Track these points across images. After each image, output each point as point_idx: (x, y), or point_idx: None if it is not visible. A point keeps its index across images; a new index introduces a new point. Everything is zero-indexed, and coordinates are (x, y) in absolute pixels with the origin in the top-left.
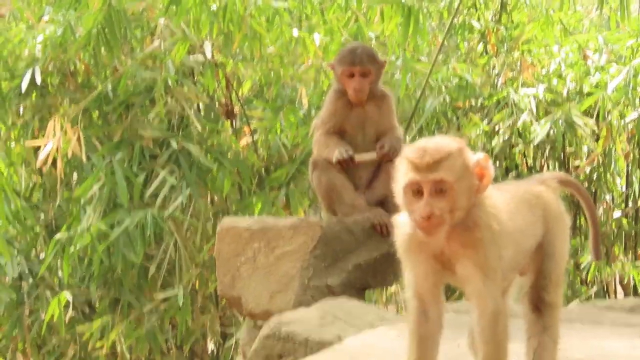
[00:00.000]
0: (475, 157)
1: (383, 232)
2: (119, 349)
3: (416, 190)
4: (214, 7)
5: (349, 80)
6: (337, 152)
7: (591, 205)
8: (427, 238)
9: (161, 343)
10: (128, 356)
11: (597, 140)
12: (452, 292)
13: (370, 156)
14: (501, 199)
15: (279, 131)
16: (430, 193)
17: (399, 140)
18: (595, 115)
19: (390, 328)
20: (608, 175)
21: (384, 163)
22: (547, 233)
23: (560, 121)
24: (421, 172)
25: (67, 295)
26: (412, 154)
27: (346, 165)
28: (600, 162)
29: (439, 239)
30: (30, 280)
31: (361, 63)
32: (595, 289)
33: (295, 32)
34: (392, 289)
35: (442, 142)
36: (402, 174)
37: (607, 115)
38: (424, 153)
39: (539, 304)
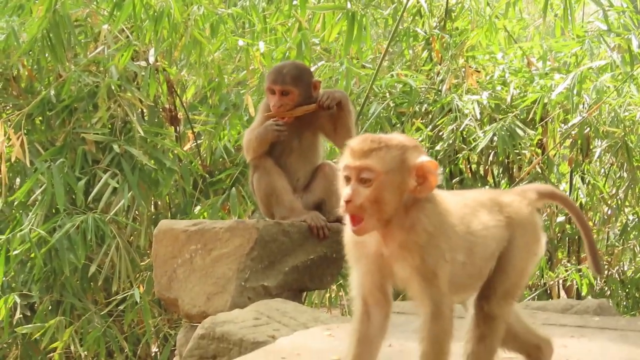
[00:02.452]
0: (420, 159)
1: (319, 234)
2: (72, 348)
3: (347, 177)
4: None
5: (271, 97)
6: (268, 122)
7: (581, 218)
8: (356, 234)
9: (112, 345)
10: (82, 357)
11: (540, 146)
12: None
13: (308, 107)
14: (454, 202)
15: (223, 136)
16: (357, 179)
17: (341, 92)
18: (538, 121)
19: (323, 329)
20: (552, 180)
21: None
22: (508, 243)
23: (504, 127)
24: (353, 158)
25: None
26: (353, 141)
27: (283, 125)
28: (545, 167)
29: (372, 238)
30: None
31: (283, 82)
32: (537, 292)
33: (241, 42)
34: (335, 291)
35: (387, 136)
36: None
37: (551, 121)
38: (363, 141)
39: (479, 313)
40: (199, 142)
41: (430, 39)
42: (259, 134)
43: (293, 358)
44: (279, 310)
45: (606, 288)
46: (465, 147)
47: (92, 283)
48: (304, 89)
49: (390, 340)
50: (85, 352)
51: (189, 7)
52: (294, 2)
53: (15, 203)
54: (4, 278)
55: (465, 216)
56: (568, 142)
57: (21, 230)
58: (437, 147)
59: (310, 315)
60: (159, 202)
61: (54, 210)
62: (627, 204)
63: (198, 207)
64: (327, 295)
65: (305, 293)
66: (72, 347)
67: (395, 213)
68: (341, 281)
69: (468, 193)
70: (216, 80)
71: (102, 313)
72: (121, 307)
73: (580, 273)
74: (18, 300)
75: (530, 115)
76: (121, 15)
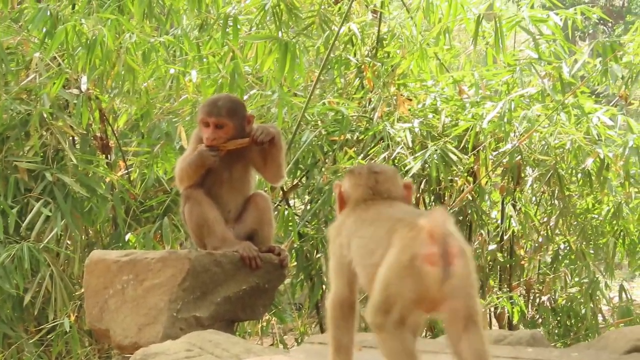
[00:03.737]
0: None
1: (252, 265)
2: None
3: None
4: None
5: (205, 129)
6: (201, 147)
7: None
8: None
9: None
10: None
11: (472, 174)
12: None
13: (242, 141)
14: (363, 216)
15: (155, 165)
16: None
17: (275, 127)
18: (470, 149)
19: None
20: (483, 207)
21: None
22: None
23: (435, 155)
24: None
25: None
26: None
27: (215, 153)
28: (476, 195)
29: None
30: None
31: (218, 115)
32: None
33: (172, 70)
34: (267, 321)
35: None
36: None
37: (483, 149)
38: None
39: None
40: (129, 170)
41: (362, 67)
42: (193, 161)
43: None
44: (211, 342)
45: (537, 316)
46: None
47: (24, 312)
48: (239, 122)
49: None
50: None
51: (121, 35)
52: (227, 30)
53: None
54: None
55: (362, 229)
56: (499, 170)
57: None
58: None
59: (242, 347)
60: (90, 231)
61: None
62: (558, 232)
63: (128, 235)
64: (259, 325)
65: (237, 323)
66: None
67: None
68: (274, 310)
69: (381, 209)
70: (149, 107)
71: (33, 341)
72: (50, 336)
73: (512, 301)
74: None
75: (462, 144)
76: (53, 43)
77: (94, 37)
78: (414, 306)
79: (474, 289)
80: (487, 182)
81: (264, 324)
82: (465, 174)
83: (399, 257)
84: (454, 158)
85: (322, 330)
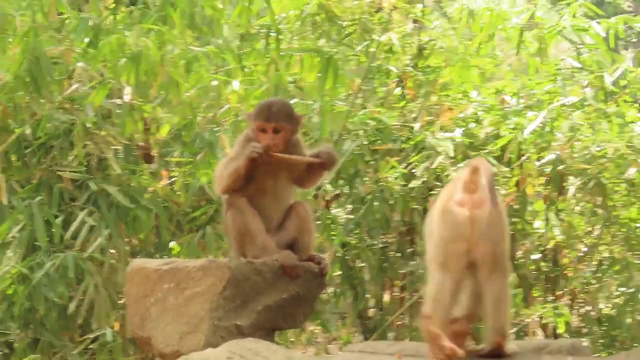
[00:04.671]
0: None
1: (292, 274)
2: None
3: None
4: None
5: (263, 136)
6: (249, 149)
7: None
8: None
9: None
10: None
11: (514, 184)
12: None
13: (299, 158)
14: None
15: (198, 174)
16: None
17: (333, 150)
18: (514, 160)
19: None
20: (526, 217)
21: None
22: None
23: None
24: None
25: None
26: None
27: (261, 160)
28: (519, 204)
29: None
30: None
31: (276, 120)
32: (513, 331)
33: (215, 82)
34: (311, 330)
35: None
36: None
37: (524, 158)
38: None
39: None
40: (173, 179)
41: (403, 76)
42: (235, 163)
43: None
44: (251, 350)
45: (582, 326)
46: (438, 184)
47: (69, 321)
48: (294, 125)
49: None
50: None
51: (164, 46)
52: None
53: None
54: None
55: None
56: (542, 179)
57: (0, 269)
58: (411, 185)
59: (282, 355)
60: (134, 241)
61: (31, 248)
62: (602, 241)
63: (172, 242)
64: (303, 334)
65: (279, 332)
66: None
67: None
68: (318, 320)
69: None
70: (189, 118)
71: (78, 351)
72: (93, 346)
73: (557, 311)
74: None
75: (505, 154)
76: (97, 56)
77: (138, 49)
78: (455, 247)
79: (503, 237)
80: (529, 191)
81: (308, 333)
82: (508, 184)
83: (439, 204)
84: (495, 167)
85: (366, 339)
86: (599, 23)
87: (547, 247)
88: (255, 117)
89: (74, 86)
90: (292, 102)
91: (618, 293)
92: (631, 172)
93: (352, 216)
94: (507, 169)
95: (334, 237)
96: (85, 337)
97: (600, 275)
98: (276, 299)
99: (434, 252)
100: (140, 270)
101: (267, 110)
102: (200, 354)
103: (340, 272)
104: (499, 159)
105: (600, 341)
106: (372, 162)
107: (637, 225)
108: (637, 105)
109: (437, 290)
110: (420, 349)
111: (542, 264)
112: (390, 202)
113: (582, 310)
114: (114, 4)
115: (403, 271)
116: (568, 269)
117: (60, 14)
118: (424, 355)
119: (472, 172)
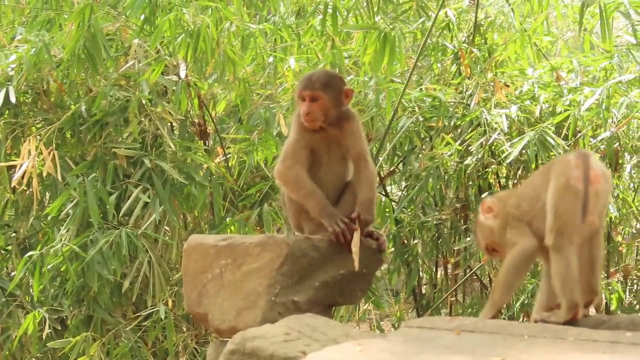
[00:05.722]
0: None
1: (339, 239)
2: None
3: None
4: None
5: (302, 103)
6: (330, 224)
7: None
8: None
9: None
10: None
11: None
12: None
13: (357, 240)
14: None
15: (254, 151)
16: None
17: (372, 214)
18: (568, 136)
19: (354, 344)
20: None
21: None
22: None
23: (533, 141)
24: None
25: (42, 312)
26: None
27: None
28: None
29: None
30: (3, 299)
31: (312, 88)
32: None
33: (271, 59)
34: (364, 306)
35: None
36: None
37: (580, 135)
38: None
39: None
40: (227, 156)
41: (459, 53)
42: (313, 204)
43: None
44: (309, 326)
45: (635, 302)
46: (494, 161)
47: (122, 298)
48: (334, 95)
49: (422, 356)
50: None
51: (220, 23)
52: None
53: (48, 218)
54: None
55: None
56: (597, 156)
57: (53, 246)
58: (467, 161)
59: (340, 331)
60: (189, 217)
61: (85, 225)
62: None
63: (227, 219)
64: (356, 310)
65: (333, 308)
66: None
67: None
68: (372, 297)
69: None
70: (248, 94)
71: (130, 328)
72: (147, 323)
73: (610, 287)
74: (46, 315)
75: (562, 130)
76: (156, 33)
77: (196, 27)
78: (575, 219)
79: (606, 208)
80: None
81: (361, 311)
82: None
83: (558, 182)
84: (553, 143)
85: (419, 316)
86: None
87: None
88: (297, 86)
89: (130, 63)
90: (348, 78)
91: None
92: None
93: (406, 193)
94: (564, 142)
95: (388, 215)
96: (138, 314)
97: None
98: (334, 274)
99: (558, 224)
100: (198, 247)
101: (306, 80)
102: (258, 330)
103: (393, 249)
104: (557, 134)
105: None
106: (427, 139)
107: None
108: None
109: (572, 262)
110: (478, 324)
111: None
112: (444, 179)
113: (636, 287)
114: None
115: (457, 248)
116: (622, 245)
117: None
118: (482, 331)
119: (581, 156)
